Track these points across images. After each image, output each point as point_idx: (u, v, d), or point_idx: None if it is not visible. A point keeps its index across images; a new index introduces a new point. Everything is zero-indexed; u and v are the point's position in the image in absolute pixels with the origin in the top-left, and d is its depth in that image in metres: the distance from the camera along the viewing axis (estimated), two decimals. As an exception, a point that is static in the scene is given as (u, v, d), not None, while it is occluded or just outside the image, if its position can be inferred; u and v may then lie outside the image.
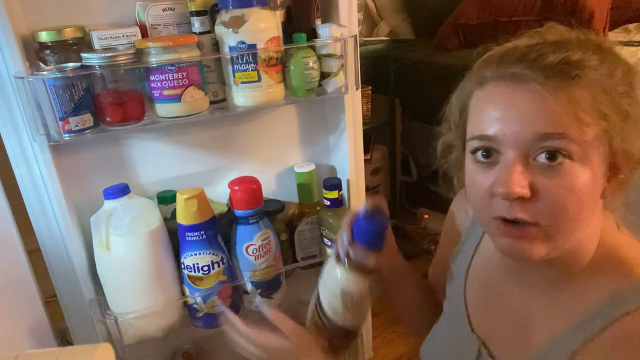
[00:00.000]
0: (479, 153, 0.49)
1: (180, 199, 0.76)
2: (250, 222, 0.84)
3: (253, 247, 0.84)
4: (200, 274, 0.82)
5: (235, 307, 0.89)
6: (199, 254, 0.81)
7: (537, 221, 0.46)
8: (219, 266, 0.83)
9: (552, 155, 0.45)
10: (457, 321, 0.66)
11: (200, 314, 0.85)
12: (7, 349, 0.78)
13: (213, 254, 0.81)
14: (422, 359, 0.72)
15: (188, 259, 0.82)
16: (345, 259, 0.67)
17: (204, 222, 0.78)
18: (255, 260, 0.85)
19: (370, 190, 1.95)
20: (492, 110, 0.48)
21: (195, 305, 0.85)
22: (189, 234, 0.78)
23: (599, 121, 0.45)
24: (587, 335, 0.49)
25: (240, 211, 0.84)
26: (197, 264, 0.81)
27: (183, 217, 0.78)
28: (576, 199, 0.46)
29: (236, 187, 0.83)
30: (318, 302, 0.69)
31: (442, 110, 0.59)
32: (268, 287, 0.89)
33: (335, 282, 0.68)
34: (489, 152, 0.49)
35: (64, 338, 1.08)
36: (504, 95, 0.47)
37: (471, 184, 0.52)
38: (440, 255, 0.77)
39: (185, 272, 0.82)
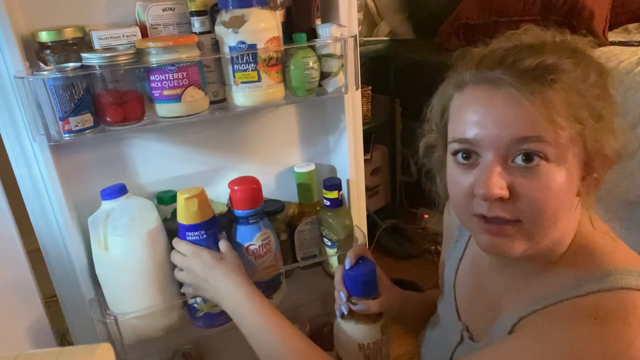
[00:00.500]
0: (459, 155, 0.52)
1: (180, 198, 0.76)
2: (250, 222, 0.84)
3: (253, 247, 0.84)
4: None
5: None
6: None
7: (517, 219, 0.49)
8: None
9: (528, 157, 0.47)
10: (448, 312, 0.70)
11: (201, 314, 0.85)
12: (7, 349, 0.78)
13: None
14: (421, 348, 0.75)
15: None
16: (349, 314, 0.70)
17: (204, 222, 0.77)
18: (255, 260, 0.85)
19: (370, 190, 1.95)
20: (471, 114, 0.50)
21: (195, 305, 0.85)
22: (190, 233, 0.78)
23: (574, 124, 0.47)
24: (538, 307, 0.52)
25: (240, 211, 0.83)
26: None
27: (183, 217, 0.77)
28: (553, 198, 0.48)
29: (236, 187, 0.83)
30: None
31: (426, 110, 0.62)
32: (268, 287, 0.89)
33: (349, 340, 0.69)
34: (469, 154, 0.51)
35: (64, 338, 1.08)
36: (482, 100, 0.49)
37: (452, 184, 0.54)
38: (443, 255, 0.80)
39: None
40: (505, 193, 0.47)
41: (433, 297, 0.79)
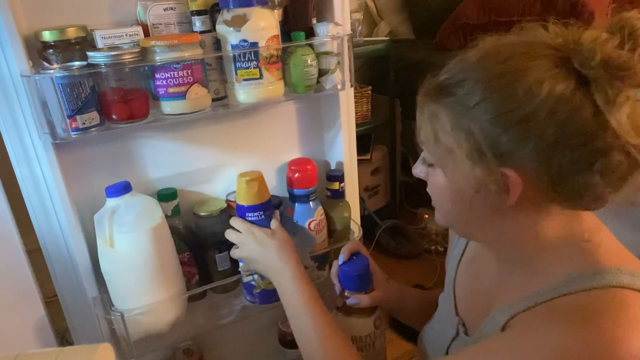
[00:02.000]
0: None
1: (241, 180, 0.81)
2: (310, 199, 0.91)
3: (314, 222, 0.91)
4: None
5: None
6: None
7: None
8: None
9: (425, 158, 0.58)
10: (446, 307, 0.72)
11: (258, 291, 0.89)
12: (7, 349, 0.77)
13: None
14: (421, 341, 0.77)
15: None
16: (343, 308, 0.73)
17: (262, 203, 0.82)
18: (316, 234, 0.92)
19: (370, 190, 1.95)
20: None
21: (252, 283, 0.89)
22: (249, 214, 0.82)
23: (453, 139, 0.53)
24: (530, 304, 0.53)
25: (300, 190, 0.90)
26: None
27: (244, 198, 0.82)
28: (438, 195, 0.58)
29: (294, 168, 0.90)
30: None
31: None
32: (322, 260, 0.97)
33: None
34: None
35: (64, 338, 1.08)
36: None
37: None
38: (448, 251, 0.82)
39: None
40: (421, 175, 0.60)
41: (436, 295, 0.80)
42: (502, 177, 0.50)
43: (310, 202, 0.91)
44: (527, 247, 0.56)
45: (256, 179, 0.81)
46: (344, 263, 0.72)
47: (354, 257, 0.73)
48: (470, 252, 0.72)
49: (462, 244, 0.74)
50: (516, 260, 0.59)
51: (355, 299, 0.72)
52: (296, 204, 0.91)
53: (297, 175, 0.89)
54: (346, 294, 0.74)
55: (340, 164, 1.03)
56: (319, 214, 0.92)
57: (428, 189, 0.60)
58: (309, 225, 0.91)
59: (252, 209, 0.82)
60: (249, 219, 0.82)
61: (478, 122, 0.49)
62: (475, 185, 0.52)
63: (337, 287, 0.72)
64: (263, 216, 0.82)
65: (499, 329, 0.55)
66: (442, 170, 0.55)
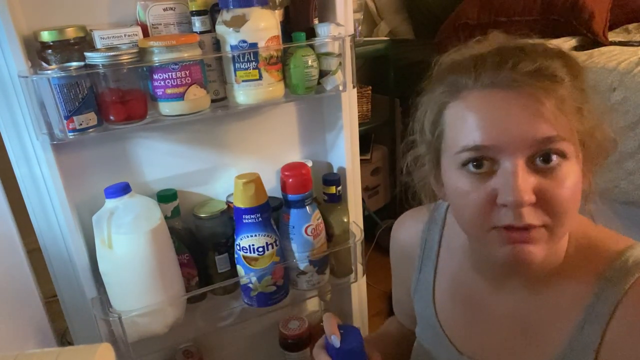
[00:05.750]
0: (470, 165, 0.48)
1: (238, 182, 0.80)
2: (306, 204, 0.90)
3: (311, 227, 0.90)
4: (255, 255, 0.85)
5: (286, 289, 0.93)
6: (255, 235, 0.84)
7: (544, 224, 0.46)
8: (272, 247, 0.86)
9: (548, 157, 0.46)
10: (440, 349, 0.63)
11: (255, 293, 0.89)
12: (7, 349, 0.78)
13: (267, 235, 0.85)
14: None
15: (244, 241, 0.85)
16: None
17: (260, 205, 0.82)
18: (314, 239, 0.91)
19: (370, 190, 1.95)
20: (482, 119, 0.47)
21: (250, 285, 0.88)
22: (246, 216, 0.82)
23: (580, 118, 0.47)
24: (600, 326, 0.49)
25: (295, 195, 0.88)
26: (253, 245, 0.85)
27: (241, 201, 0.82)
28: (572, 196, 0.47)
29: (287, 173, 0.88)
30: None
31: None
32: (321, 265, 0.95)
33: None
34: (481, 163, 0.47)
35: (64, 338, 1.07)
36: (495, 103, 0.46)
37: (463, 198, 0.49)
38: (398, 293, 0.75)
39: (241, 253, 0.86)
40: (534, 198, 0.45)
41: (400, 335, 0.76)
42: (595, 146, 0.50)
43: (307, 207, 0.90)
44: (560, 253, 0.54)
45: (253, 181, 0.81)
46: (341, 347, 0.58)
47: (342, 331, 0.60)
48: (444, 284, 0.64)
49: (428, 275, 0.66)
50: (540, 275, 0.54)
51: None
52: (292, 209, 0.90)
53: (291, 180, 0.88)
54: None
55: (342, 166, 1.02)
56: (315, 218, 0.91)
57: (554, 198, 0.46)
58: (305, 230, 0.90)
59: (250, 211, 0.82)
60: (246, 221, 0.82)
61: (581, 95, 0.48)
62: (584, 168, 0.50)
63: None
64: (260, 219, 0.82)
65: (591, 350, 0.50)
66: (573, 162, 0.47)
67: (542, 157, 0.46)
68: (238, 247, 0.86)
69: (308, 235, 0.90)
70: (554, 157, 0.46)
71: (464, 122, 0.48)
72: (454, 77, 0.50)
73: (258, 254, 0.85)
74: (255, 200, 0.82)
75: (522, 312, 0.56)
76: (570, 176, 0.46)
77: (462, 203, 0.50)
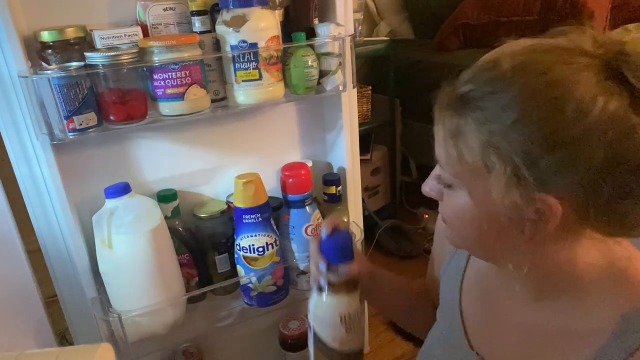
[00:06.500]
0: None
1: (239, 183, 0.81)
2: (306, 204, 0.90)
3: (311, 227, 0.90)
4: (255, 255, 0.86)
5: (286, 289, 0.93)
6: (255, 235, 0.85)
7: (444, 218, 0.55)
8: (272, 247, 0.87)
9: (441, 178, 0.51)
10: (453, 338, 0.64)
11: (255, 293, 0.89)
12: (7, 349, 0.78)
13: (268, 235, 0.85)
14: None
15: (244, 241, 0.85)
16: (329, 286, 0.66)
17: (260, 205, 0.82)
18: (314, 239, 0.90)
19: (370, 190, 1.95)
20: None
21: (250, 285, 0.88)
22: (246, 216, 0.82)
23: (481, 160, 0.46)
24: (623, 356, 0.48)
25: (295, 195, 0.88)
26: (253, 245, 0.85)
27: (241, 201, 0.82)
28: (458, 218, 0.52)
29: (287, 173, 0.88)
30: (319, 343, 0.67)
31: None
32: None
33: (330, 312, 0.66)
34: None
35: (64, 338, 1.07)
36: None
37: None
38: (436, 270, 0.75)
39: (241, 253, 0.86)
40: (432, 194, 0.54)
41: (413, 287, 0.76)
42: (542, 204, 0.44)
43: (307, 207, 0.90)
44: (562, 276, 0.51)
45: (253, 181, 0.81)
46: (328, 236, 0.66)
47: (335, 230, 0.67)
48: (472, 274, 0.65)
49: (461, 261, 0.67)
50: (549, 291, 0.53)
51: (340, 272, 0.64)
52: (292, 209, 0.90)
53: (290, 180, 0.88)
54: (333, 268, 0.66)
55: (342, 166, 1.02)
56: (315, 218, 0.91)
57: (441, 209, 0.54)
58: (305, 230, 0.90)
59: (250, 211, 0.82)
60: (246, 221, 0.82)
61: (516, 142, 0.42)
62: (509, 212, 0.46)
63: (323, 264, 0.65)
64: (260, 219, 0.82)
65: None
66: (468, 192, 0.48)
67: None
68: (238, 247, 0.86)
69: (308, 235, 0.90)
70: (448, 179, 0.50)
71: None
72: None
73: (258, 254, 0.85)
74: (255, 200, 0.82)
75: (540, 328, 0.55)
76: (452, 199, 0.51)
77: None
